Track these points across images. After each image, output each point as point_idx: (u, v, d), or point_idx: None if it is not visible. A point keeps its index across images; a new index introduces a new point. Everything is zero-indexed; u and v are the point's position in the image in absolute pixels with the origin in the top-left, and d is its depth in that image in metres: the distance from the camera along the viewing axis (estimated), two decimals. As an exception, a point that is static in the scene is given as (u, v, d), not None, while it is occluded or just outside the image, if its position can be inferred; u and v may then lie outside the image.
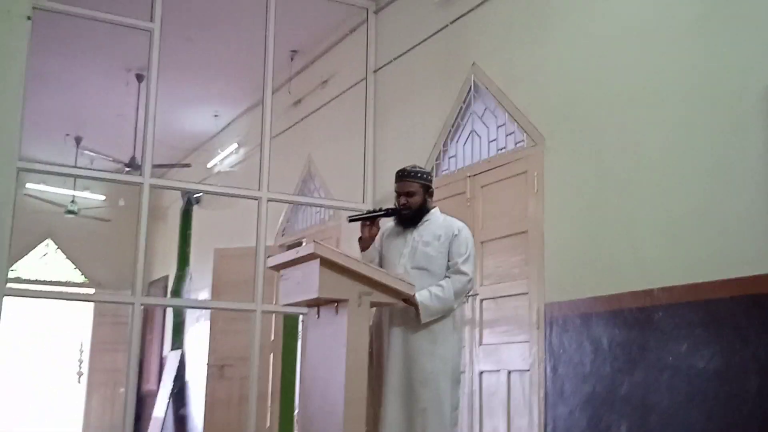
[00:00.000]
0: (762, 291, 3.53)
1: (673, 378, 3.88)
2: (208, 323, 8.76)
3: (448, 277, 3.85)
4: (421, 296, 3.74)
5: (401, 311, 3.81)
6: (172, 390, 10.35)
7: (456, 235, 3.94)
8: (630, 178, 4.35)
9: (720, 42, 3.95)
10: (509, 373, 5.00)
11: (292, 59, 8.09)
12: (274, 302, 6.94)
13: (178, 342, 10.96)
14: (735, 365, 3.61)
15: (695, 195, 3.96)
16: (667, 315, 3.97)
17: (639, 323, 4.11)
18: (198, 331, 10.08)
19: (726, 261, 3.72)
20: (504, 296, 5.15)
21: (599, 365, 4.31)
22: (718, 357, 3.69)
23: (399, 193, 4.00)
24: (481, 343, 5.28)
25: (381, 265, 4.00)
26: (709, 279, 3.79)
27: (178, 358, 10.66)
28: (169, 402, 10.30)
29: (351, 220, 4.09)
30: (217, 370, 8.24)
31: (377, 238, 4.10)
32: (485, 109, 5.69)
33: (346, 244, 6.48)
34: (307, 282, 3.61)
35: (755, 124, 3.67)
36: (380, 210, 4.07)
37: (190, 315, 10.74)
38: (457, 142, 5.96)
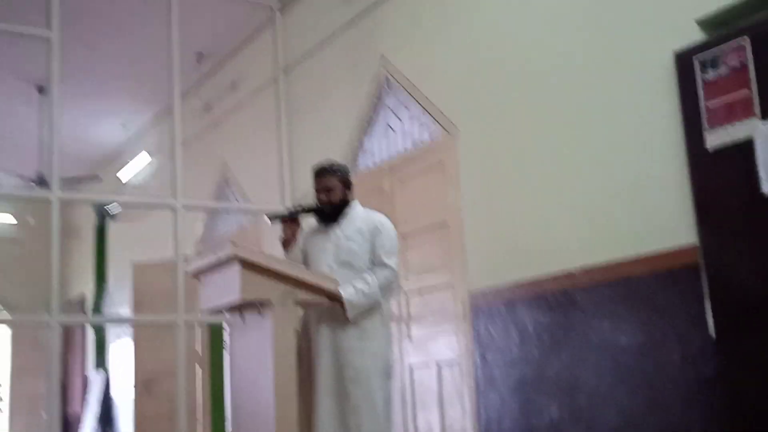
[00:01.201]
0: (677, 264, 3.62)
1: (599, 356, 3.95)
2: (131, 340, 8.53)
3: (373, 271, 3.82)
4: (346, 293, 3.69)
5: (328, 309, 3.76)
6: (99, 411, 10.06)
7: (379, 228, 3.90)
8: (544, 161, 4.40)
9: (622, 15, 4.02)
10: (439, 364, 5.01)
11: (199, 62, 7.93)
12: (198, 313, 6.79)
13: (101, 361, 10.65)
14: (656, 339, 3.69)
15: (609, 173, 4.03)
16: (588, 295, 4.03)
17: (562, 305, 4.17)
18: (121, 349, 9.81)
19: (642, 236, 3.80)
20: (429, 288, 5.16)
21: (526, 350, 4.35)
22: (639, 332, 3.76)
23: (318, 190, 3.95)
24: (409, 337, 5.28)
25: (305, 264, 3.94)
26: (626, 256, 3.86)
27: (103, 377, 10.36)
28: (96, 423, 10.00)
29: (272, 220, 4.01)
30: (143, 387, 8.02)
31: (300, 236, 4.04)
32: (397, 102, 5.69)
33: (269, 248, 6.38)
34: (229, 285, 3.51)
35: (664, 95, 3.74)
36: (300, 208, 4.01)
37: (112, 333, 10.45)
38: (372, 137, 5.94)
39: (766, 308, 3.24)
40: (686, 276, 3.55)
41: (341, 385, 3.71)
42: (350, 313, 3.70)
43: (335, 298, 3.68)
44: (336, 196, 3.92)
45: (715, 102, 3.51)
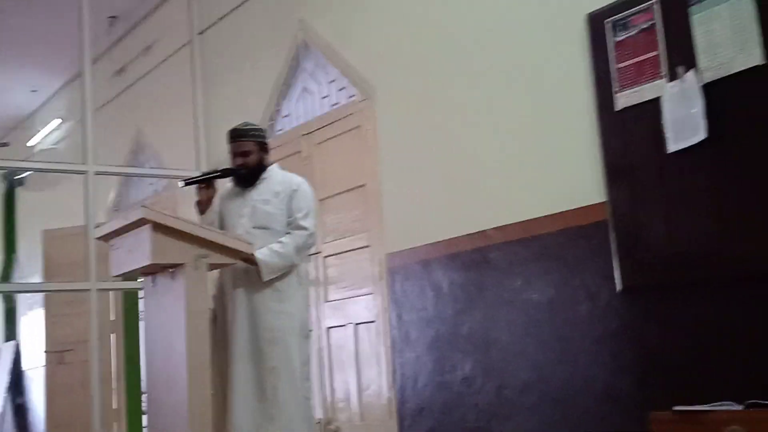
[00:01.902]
0: (586, 221, 3.70)
1: (511, 313, 4.02)
2: (42, 310, 8.31)
3: (289, 233, 3.80)
4: (261, 254, 3.67)
5: (244, 272, 3.73)
6: (9, 382, 9.80)
7: (295, 190, 3.88)
8: (459, 124, 4.44)
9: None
10: (356, 326, 5.04)
11: (111, 26, 7.70)
12: (111, 280, 6.65)
13: (11, 332, 10.36)
14: (566, 294, 3.77)
15: (523, 133, 4.08)
16: (501, 253, 4.10)
17: (476, 264, 4.23)
18: (33, 319, 9.55)
19: (554, 196, 3.87)
20: (346, 251, 5.17)
21: (441, 308, 4.41)
22: (550, 288, 3.85)
23: (234, 154, 3.90)
24: (327, 300, 5.28)
25: (221, 227, 3.89)
26: (538, 215, 3.93)
27: (13, 349, 10.08)
28: (6, 395, 9.74)
29: (186, 184, 3.93)
30: (55, 356, 7.84)
31: (216, 200, 3.98)
32: (315, 65, 5.64)
33: (184, 213, 6.27)
34: (139, 249, 3.44)
35: (577, 56, 3.79)
36: (215, 171, 3.95)
37: (23, 303, 10.16)
38: (289, 100, 5.88)
39: (671, 262, 3.35)
40: (595, 232, 3.64)
41: (257, 347, 3.70)
42: (264, 274, 3.69)
43: (250, 260, 3.65)
44: (252, 159, 3.89)
45: (626, 63, 3.58)
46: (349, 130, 5.23)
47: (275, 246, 3.73)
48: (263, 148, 3.94)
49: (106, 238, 3.75)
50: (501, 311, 4.07)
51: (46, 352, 7.93)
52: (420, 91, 4.70)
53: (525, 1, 4.10)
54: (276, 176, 3.94)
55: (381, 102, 4.97)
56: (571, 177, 3.80)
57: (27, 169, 8.75)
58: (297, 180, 3.95)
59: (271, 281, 3.72)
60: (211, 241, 3.47)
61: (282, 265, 3.74)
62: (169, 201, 7.01)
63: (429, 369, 4.44)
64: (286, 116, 5.92)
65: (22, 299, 10.20)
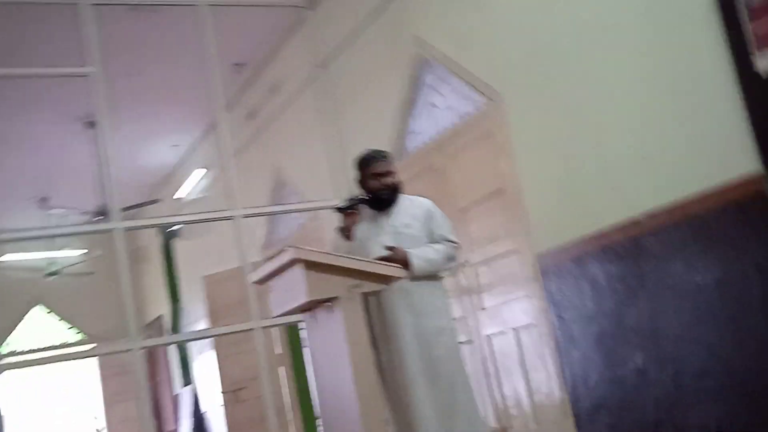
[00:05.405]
0: (744, 195, 3.50)
1: (676, 299, 3.86)
2: (213, 352, 8.68)
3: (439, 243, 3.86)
4: (415, 256, 3.75)
5: (404, 295, 3.76)
6: (192, 425, 10.26)
7: (432, 211, 3.97)
8: (593, 112, 4.32)
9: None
10: (516, 330, 4.98)
11: (238, 73, 8.00)
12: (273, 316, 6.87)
13: (187, 377, 10.85)
14: (733, 273, 3.58)
15: (661, 112, 3.92)
16: (657, 240, 3.94)
17: (631, 254, 4.08)
18: (205, 362, 10.00)
19: (703, 171, 3.69)
20: (495, 257, 5.12)
21: (602, 303, 4.29)
22: (715, 268, 3.66)
23: (382, 174, 3.94)
24: (482, 308, 5.25)
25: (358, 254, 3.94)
26: (689, 193, 3.75)
27: (192, 393, 10.56)
28: (192, 438, 10.21)
29: (339, 210, 4.00)
30: (232, 395, 8.16)
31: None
32: (437, 78, 5.64)
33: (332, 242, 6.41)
34: (295, 288, 3.53)
35: (708, 28, 3.61)
36: (358, 197, 4.00)
37: (194, 348, 10.65)
38: (417, 117, 5.91)
39: (844, 225, 3.14)
40: (755, 205, 3.44)
41: (431, 365, 3.71)
42: (416, 264, 3.72)
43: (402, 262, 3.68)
44: (398, 179, 3.95)
45: (761, 23, 3.38)
46: (480, 138, 5.20)
47: (428, 250, 3.79)
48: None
49: (262, 281, 3.88)
50: (665, 299, 3.91)
51: (222, 392, 8.26)
52: (549, 86, 4.61)
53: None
54: (405, 201, 3.99)
55: (509, 104, 4.91)
56: (720, 146, 3.61)
57: (177, 223, 9.16)
58: (428, 202, 4.03)
59: (432, 300, 3.79)
60: (363, 270, 3.53)
61: (433, 259, 3.80)
62: (317, 232, 7.18)
63: (599, 365, 4.33)
64: (415, 133, 5.95)
65: (192, 344, 10.68)
